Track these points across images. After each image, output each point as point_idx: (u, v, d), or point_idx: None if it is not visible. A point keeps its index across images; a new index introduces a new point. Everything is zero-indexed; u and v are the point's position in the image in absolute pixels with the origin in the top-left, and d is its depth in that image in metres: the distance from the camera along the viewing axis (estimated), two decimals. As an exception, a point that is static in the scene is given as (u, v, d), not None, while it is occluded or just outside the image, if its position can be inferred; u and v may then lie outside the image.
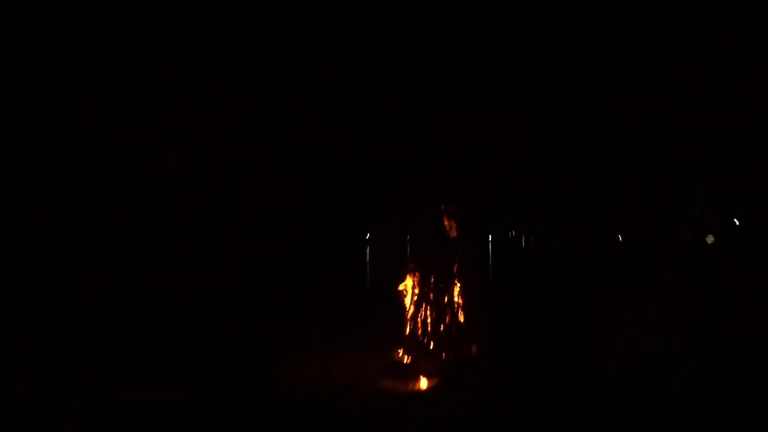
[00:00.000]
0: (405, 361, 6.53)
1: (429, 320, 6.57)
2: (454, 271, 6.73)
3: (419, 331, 6.57)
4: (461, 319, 6.68)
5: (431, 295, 6.61)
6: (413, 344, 6.56)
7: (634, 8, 7.59)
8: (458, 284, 6.73)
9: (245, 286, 13.54)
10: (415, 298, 6.66)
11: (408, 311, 6.68)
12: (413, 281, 6.68)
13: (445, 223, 6.78)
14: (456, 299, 6.71)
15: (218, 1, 7.25)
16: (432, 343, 6.53)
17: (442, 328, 6.56)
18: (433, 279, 6.65)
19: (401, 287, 6.73)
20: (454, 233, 6.81)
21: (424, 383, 6.16)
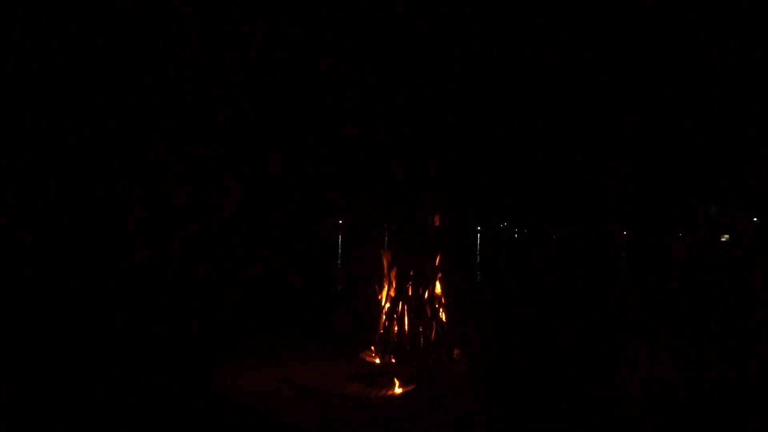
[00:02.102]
0: (377, 364, 6.14)
1: (406, 318, 6.16)
2: (437, 263, 6.35)
3: (395, 331, 6.17)
4: (443, 317, 6.30)
5: (410, 290, 6.21)
6: (387, 345, 6.15)
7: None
8: (440, 279, 6.36)
9: (206, 282, 13.27)
10: (392, 293, 6.26)
11: (383, 308, 6.29)
12: (389, 274, 6.28)
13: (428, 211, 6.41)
14: (437, 295, 6.34)
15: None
16: (409, 343, 6.14)
17: (420, 328, 6.17)
18: (412, 272, 6.26)
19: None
20: (437, 222, 6.43)
21: (398, 389, 5.77)
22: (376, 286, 6.30)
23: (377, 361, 6.15)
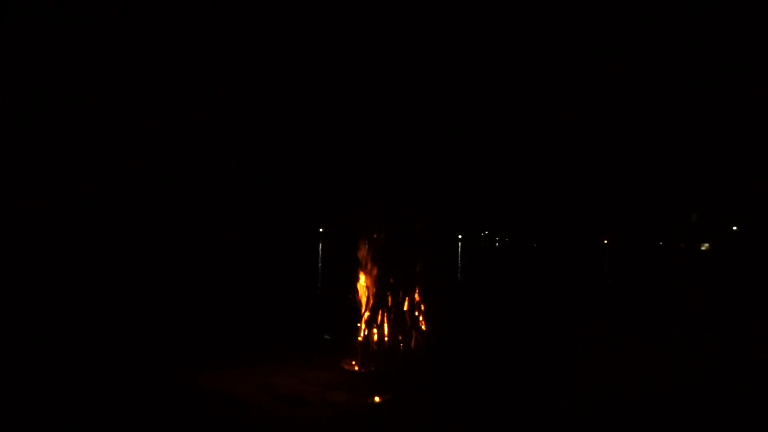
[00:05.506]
0: (358, 372, 6.27)
1: (386, 327, 6.31)
2: (417, 272, 6.49)
3: (375, 339, 6.31)
4: (423, 326, 6.45)
5: (389, 299, 6.36)
6: (367, 353, 6.30)
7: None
8: (421, 287, 6.50)
9: (181, 287, 13.26)
10: (372, 301, 6.40)
11: (362, 316, 6.42)
12: (369, 282, 6.42)
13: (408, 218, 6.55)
14: (418, 304, 6.48)
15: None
16: (389, 352, 6.28)
17: (400, 336, 6.32)
18: (392, 280, 6.40)
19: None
20: (417, 230, 6.58)
21: (378, 397, 5.90)
22: (356, 294, 6.43)
23: (357, 369, 6.27)
